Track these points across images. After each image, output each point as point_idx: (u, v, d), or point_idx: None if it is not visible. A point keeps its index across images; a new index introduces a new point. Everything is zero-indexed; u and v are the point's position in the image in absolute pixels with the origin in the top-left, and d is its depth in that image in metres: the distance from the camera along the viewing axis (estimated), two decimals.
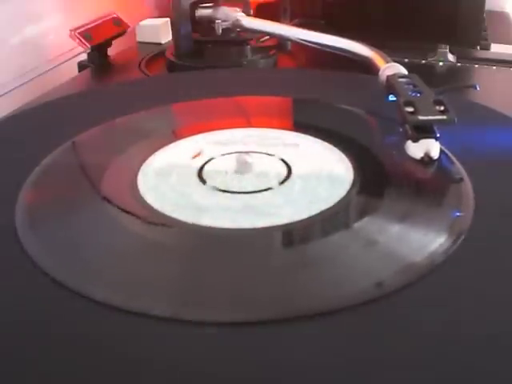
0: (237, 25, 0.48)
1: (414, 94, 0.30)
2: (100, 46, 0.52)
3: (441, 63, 0.50)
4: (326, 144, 0.31)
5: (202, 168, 0.29)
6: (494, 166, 0.29)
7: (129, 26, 0.55)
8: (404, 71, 0.35)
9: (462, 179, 0.27)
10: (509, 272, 0.22)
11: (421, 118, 0.28)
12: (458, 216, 0.25)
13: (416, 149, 0.29)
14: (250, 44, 0.50)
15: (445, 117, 0.28)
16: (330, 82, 0.41)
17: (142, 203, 0.26)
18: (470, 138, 0.31)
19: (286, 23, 0.56)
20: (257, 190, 0.27)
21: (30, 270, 0.22)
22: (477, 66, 0.50)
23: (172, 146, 0.31)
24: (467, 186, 0.27)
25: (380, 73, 0.36)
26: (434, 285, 0.21)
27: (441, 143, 0.29)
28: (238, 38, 0.50)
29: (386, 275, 0.21)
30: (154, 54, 0.54)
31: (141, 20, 0.59)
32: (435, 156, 0.29)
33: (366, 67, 0.39)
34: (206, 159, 0.30)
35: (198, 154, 0.28)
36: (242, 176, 0.28)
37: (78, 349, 0.19)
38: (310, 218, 0.24)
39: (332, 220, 0.25)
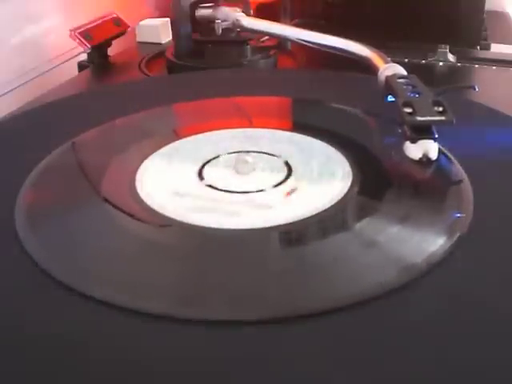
0: (237, 25, 0.48)
1: (412, 95, 0.30)
2: (100, 45, 0.52)
3: (441, 63, 0.50)
4: (325, 144, 0.31)
5: (202, 168, 0.29)
6: (493, 166, 0.29)
7: (129, 26, 0.55)
8: (403, 72, 0.35)
9: (461, 180, 0.27)
10: (509, 272, 0.22)
11: (419, 118, 0.28)
12: (457, 217, 0.25)
13: (414, 150, 0.29)
14: (250, 44, 0.50)
15: (443, 118, 0.28)
16: (330, 82, 0.41)
17: (140, 203, 0.26)
18: (470, 137, 0.31)
19: (286, 23, 0.56)
20: (256, 190, 0.27)
21: (30, 270, 0.22)
22: (477, 66, 0.50)
23: (172, 146, 0.31)
24: (467, 186, 0.27)
25: (379, 73, 0.36)
26: (434, 285, 0.21)
27: (441, 143, 0.29)
28: (238, 37, 0.50)
29: (385, 276, 0.21)
30: (154, 54, 0.54)
31: (141, 20, 0.59)
32: (434, 157, 0.29)
33: (366, 67, 0.39)
34: (206, 159, 0.30)
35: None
36: (241, 176, 0.28)
37: (78, 348, 0.19)
38: (309, 219, 0.25)
39: (331, 221, 0.25)
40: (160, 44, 0.57)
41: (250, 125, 0.34)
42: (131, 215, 0.25)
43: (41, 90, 0.46)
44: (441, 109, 0.29)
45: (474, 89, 0.36)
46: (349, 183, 0.27)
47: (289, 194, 0.26)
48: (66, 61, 0.57)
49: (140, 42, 0.58)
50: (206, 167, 0.29)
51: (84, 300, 0.20)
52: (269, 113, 0.37)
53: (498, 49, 0.55)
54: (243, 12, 0.49)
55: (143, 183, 0.28)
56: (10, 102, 0.47)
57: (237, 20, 0.48)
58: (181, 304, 0.21)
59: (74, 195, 0.27)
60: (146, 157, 0.30)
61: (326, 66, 0.46)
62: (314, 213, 0.25)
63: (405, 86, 0.32)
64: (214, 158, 0.30)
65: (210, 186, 0.27)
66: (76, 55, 0.55)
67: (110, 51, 0.54)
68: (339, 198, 0.26)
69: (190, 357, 0.19)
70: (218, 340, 0.19)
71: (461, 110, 0.29)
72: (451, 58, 0.50)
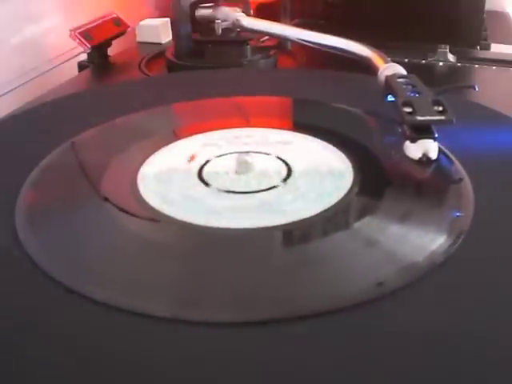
0: (237, 25, 0.48)
1: (412, 95, 0.30)
2: (100, 45, 0.52)
3: (441, 63, 0.50)
4: (325, 144, 0.31)
5: (202, 168, 0.29)
6: (494, 166, 0.29)
7: (129, 26, 0.55)
8: (403, 71, 0.35)
9: (461, 179, 0.27)
10: (509, 272, 0.22)
11: (419, 118, 0.28)
12: (457, 216, 0.25)
13: (414, 149, 0.29)
14: (250, 44, 0.50)
15: (443, 117, 0.28)
16: (330, 82, 0.41)
17: (141, 203, 0.26)
18: (470, 138, 0.31)
19: (286, 23, 0.56)
20: (256, 191, 0.27)
21: (30, 270, 0.22)
22: (477, 66, 0.50)
23: (172, 145, 0.31)
24: (467, 186, 0.27)
25: (379, 73, 0.36)
26: (434, 285, 0.21)
27: (441, 143, 0.29)
28: (238, 37, 0.50)
29: (386, 275, 0.21)
30: (154, 54, 0.54)
31: (141, 20, 0.59)
32: (433, 157, 0.29)
33: (366, 67, 0.39)
34: (207, 159, 0.30)
35: (193, 157, 0.28)
36: (241, 176, 0.28)
37: (78, 349, 0.19)
38: (310, 218, 0.24)
39: (332, 220, 0.25)
40: (160, 44, 0.57)
41: (250, 125, 0.34)
42: (132, 215, 0.25)
43: (41, 90, 0.46)
44: (440, 108, 0.29)
45: (474, 88, 0.36)
46: (349, 183, 0.27)
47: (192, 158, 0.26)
48: (66, 61, 0.57)
49: (140, 42, 0.58)
50: (205, 167, 0.29)
51: (84, 301, 0.20)
52: (269, 113, 0.37)
53: (498, 49, 0.56)
54: (243, 12, 0.49)
55: (143, 183, 0.28)
56: (9, 101, 0.47)
57: (237, 20, 0.48)
58: (181, 305, 0.21)
59: (75, 195, 0.27)
60: (146, 157, 0.30)
61: (326, 66, 0.46)
62: (314, 212, 0.25)
63: (404, 86, 0.32)
64: (213, 158, 0.30)
65: (210, 185, 0.27)
66: (76, 55, 0.55)
67: (110, 51, 0.54)
68: (339, 197, 0.26)
69: (189, 357, 0.19)
70: (218, 340, 0.19)
71: (460, 110, 0.29)
72: (451, 58, 0.50)
